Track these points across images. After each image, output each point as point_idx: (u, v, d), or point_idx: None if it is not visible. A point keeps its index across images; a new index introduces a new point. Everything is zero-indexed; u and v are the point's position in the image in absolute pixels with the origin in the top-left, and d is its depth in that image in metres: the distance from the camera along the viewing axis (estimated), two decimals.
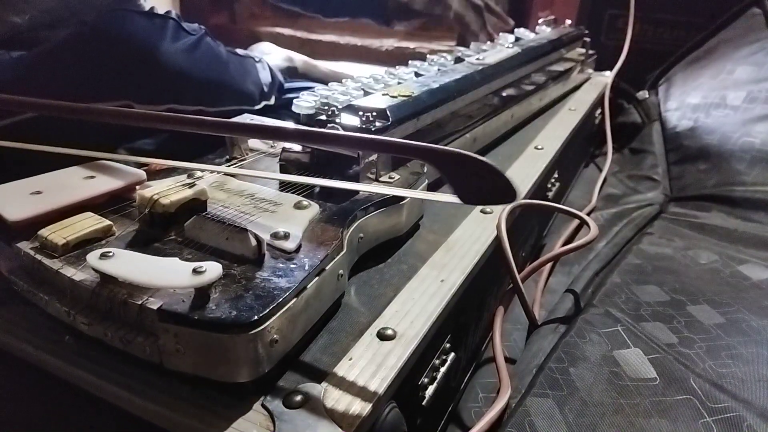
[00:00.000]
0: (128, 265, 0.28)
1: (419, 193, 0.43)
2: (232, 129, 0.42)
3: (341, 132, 0.42)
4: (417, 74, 0.61)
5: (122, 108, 0.37)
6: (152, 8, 0.69)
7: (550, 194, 0.70)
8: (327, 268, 0.32)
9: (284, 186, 0.41)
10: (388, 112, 0.47)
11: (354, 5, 0.83)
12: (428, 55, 0.69)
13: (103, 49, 0.60)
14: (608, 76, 1.05)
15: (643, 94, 1.08)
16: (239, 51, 0.79)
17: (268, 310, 0.26)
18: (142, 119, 0.37)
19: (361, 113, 0.45)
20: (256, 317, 0.26)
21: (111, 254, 0.28)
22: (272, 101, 0.78)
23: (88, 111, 0.39)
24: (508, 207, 0.47)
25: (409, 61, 0.65)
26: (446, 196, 0.32)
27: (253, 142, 0.49)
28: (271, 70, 0.81)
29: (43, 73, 0.61)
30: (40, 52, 0.62)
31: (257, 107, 0.74)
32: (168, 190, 0.34)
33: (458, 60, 0.68)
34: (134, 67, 0.60)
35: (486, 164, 0.28)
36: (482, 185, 0.29)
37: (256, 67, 0.77)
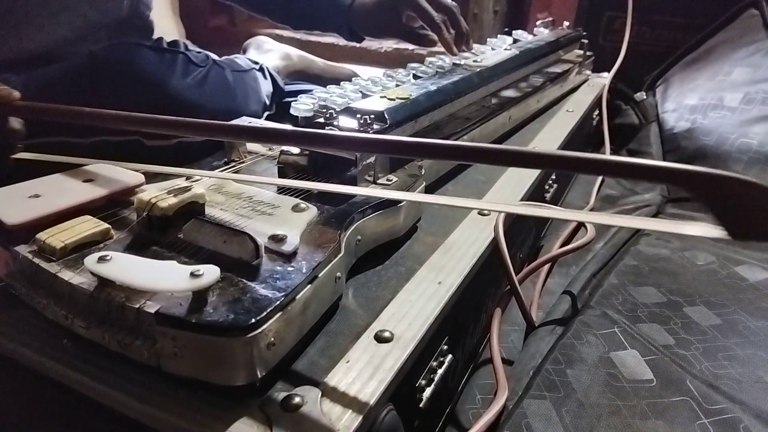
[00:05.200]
0: (126, 268, 0.28)
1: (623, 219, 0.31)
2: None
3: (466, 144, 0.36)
4: (415, 76, 0.61)
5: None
6: (160, 39, 0.69)
7: (548, 196, 0.70)
8: (324, 270, 0.32)
9: (282, 188, 0.41)
10: (385, 115, 0.47)
11: (321, 20, 0.82)
12: (426, 58, 0.69)
13: (112, 83, 0.60)
14: (606, 77, 1.05)
15: (640, 95, 1.08)
16: (240, 61, 0.79)
17: (265, 314, 0.27)
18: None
19: (359, 116, 0.46)
20: (253, 320, 0.26)
21: (109, 258, 0.29)
22: (273, 110, 0.79)
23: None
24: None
25: (408, 64, 0.65)
26: (695, 228, 0.25)
27: (252, 145, 0.49)
28: (272, 76, 0.81)
29: (49, 101, 0.61)
30: (47, 78, 0.62)
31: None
32: (166, 194, 0.34)
33: (456, 62, 0.68)
34: (144, 102, 0.60)
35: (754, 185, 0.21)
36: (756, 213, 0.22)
37: (258, 79, 0.77)
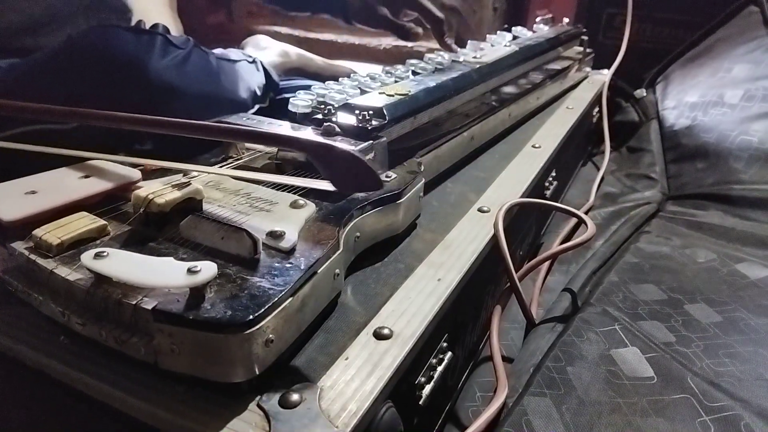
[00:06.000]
0: (123, 264, 0.28)
1: (299, 180, 0.41)
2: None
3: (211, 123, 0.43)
4: (414, 73, 0.61)
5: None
6: (139, 22, 0.69)
7: (548, 193, 0.70)
8: (323, 267, 0.32)
9: (280, 185, 0.41)
10: (384, 111, 0.46)
11: (316, 2, 0.82)
12: (426, 54, 0.69)
13: (90, 66, 0.60)
14: (606, 74, 1.05)
15: (640, 92, 1.08)
16: (232, 53, 0.78)
17: (263, 310, 0.26)
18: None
19: (357, 112, 0.45)
20: (251, 317, 0.26)
21: (105, 254, 0.28)
22: (266, 103, 0.78)
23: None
24: (506, 205, 0.47)
25: (407, 60, 0.65)
26: (321, 183, 0.36)
27: None
28: (265, 70, 0.80)
29: (30, 88, 0.60)
30: (26, 66, 0.61)
31: (251, 112, 0.74)
32: (163, 190, 0.34)
33: (455, 58, 0.68)
34: (123, 85, 0.60)
35: (351, 155, 0.32)
36: (350, 174, 0.32)
37: (248, 70, 0.76)
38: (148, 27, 0.67)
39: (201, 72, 0.67)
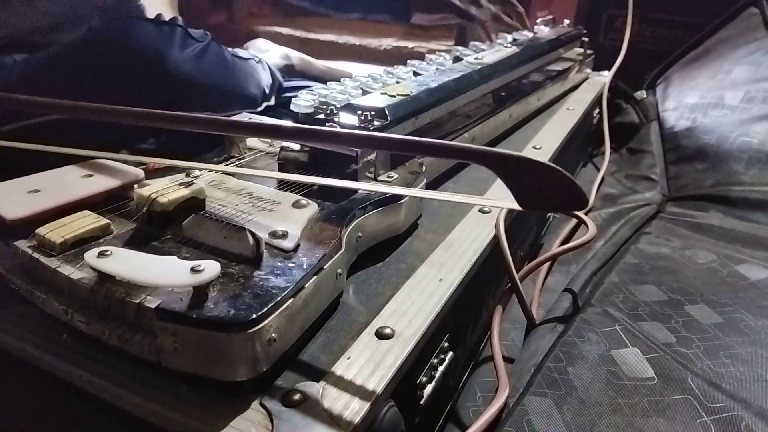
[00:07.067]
0: (126, 263, 0.28)
1: (461, 197, 0.41)
2: (238, 128, 0.41)
3: (377, 134, 0.41)
4: (415, 73, 0.61)
5: (117, 106, 0.37)
6: (159, 15, 0.69)
7: None
8: (325, 267, 0.32)
9: (283, 185, 0.41)
10: (386, 111, 0.47)
11: (375, 3, 0.84)
12: (427, 55, 0.69)
13: (110, 56, 0.60)
14: (606, 75, 1.05)
15: (641, 93, 1.08)
16: (240, 52, 0.79)
17: (266, 309, 0.26)
18: (138, 117, 0.37)
19: (359, 112, 0.45)
20: (254, 316, 0.26)
21: (109, 253, 0.28)
22: (272, 102, 0.78)
23: (77, 108, 0.38)
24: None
25: (408, 61, 0.65)
26: (501, 201, 0.31)
27: (252, 141, 0.49)
28: (270, 70, 0.81)
29: (48, 79, 0.61)
30: (45, 58, 0.62)
31: (259, 109, 0.75)
32: (166, 189, 0.34)
33: (457, 59, 0.68)
34: (142, 75, 0.60)
35: (551, 168, 0.26)
36: (546, 190, 0.27)
37: (257, 69, 0.77)
38: (157, 14, 0.67)
39: (218, 65, 0.68)
